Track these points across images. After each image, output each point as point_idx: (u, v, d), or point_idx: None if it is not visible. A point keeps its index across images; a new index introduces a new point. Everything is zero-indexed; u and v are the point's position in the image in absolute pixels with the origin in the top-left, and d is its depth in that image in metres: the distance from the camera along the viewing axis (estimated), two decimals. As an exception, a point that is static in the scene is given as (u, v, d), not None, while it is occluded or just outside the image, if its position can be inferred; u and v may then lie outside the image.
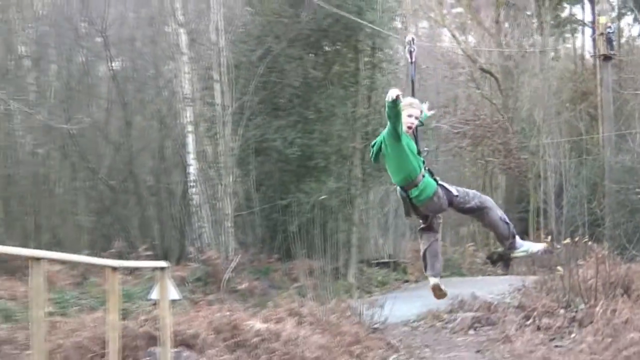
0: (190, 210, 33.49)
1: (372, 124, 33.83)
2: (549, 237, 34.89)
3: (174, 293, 18.83)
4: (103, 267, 15.37)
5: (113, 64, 36.39)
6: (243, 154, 33.07)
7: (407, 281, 32.34)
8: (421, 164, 11.41)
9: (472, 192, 12.02)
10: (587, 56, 43.79)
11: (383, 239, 35.65)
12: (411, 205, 11.49)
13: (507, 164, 41.76)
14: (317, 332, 22.54)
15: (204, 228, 33.00)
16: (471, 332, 24.93)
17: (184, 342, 18.18)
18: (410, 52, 11.81)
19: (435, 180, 11.38)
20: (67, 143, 34.06)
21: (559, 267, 29.13)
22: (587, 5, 40.90)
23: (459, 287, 29.16)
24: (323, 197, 32.71)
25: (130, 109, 35.57)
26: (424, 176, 11.27)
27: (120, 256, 23.20)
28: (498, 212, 11.96)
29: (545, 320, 24.55)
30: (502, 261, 33.91)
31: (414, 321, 26.18)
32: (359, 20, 32.45)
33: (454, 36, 41.33)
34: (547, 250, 12.38)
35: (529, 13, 38.57)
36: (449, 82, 40.14)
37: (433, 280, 12.27)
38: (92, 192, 34.89)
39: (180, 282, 19.25)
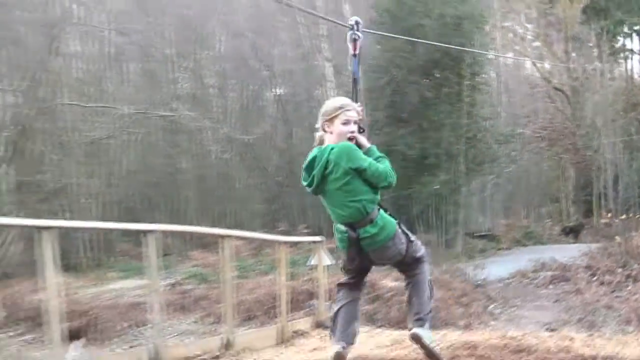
0: None
1: (472, 130, 33.89)
2: (609, 214, 34.68)
3: (327, 260, 19.00)
4: (273, 242, 15.65)
5: (277, 91, 36.90)
6: None
7: (500, 249, 32.18)
8: (378, 192, 7.14)
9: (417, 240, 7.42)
10: (636, 76, 43.35)
11: (482, 216, 35.53)
12: (358, 252, 6.95)
13: (576, 160, 41.51)
14: (435, 287, 22.68)
15: None
16: (550, 286, 24.92)
17: (334, 297, 18.42)
18: (355, 40, 7.70)
19: (392, 217, 7.11)
20: (244, 150, 34.55)
21: (617, 237, 29.04)
22: (636, 38, 40.50)
23: (540, 253, 29.17)
24: (436, 187, 32.77)
25: (290, 124, 36.01)
26: (379, 209, 6.99)
27: (285, 233, 23.52)
28: (429, 272, 7.56)
29: (607, 277, 24.56)
30: (573, 233, 33.86)
31: (507, 279, 26.22)
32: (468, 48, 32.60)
33: (533, 64, 41.01)
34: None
35: (590, 45, 38.32)
36: (530, 98, 39.95)
37: (336, 348, 7.31)
38: (263, 186, 35.42)
39: (331, 252, 19.53)
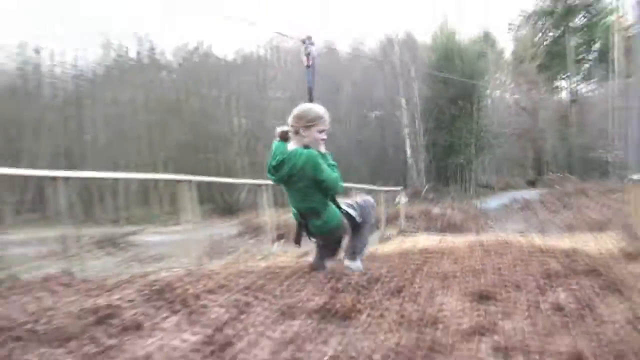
0: (407, 167, 33.47)
1: (478, 131, 33.17)
2: (551, 173, 34.42)
3: (404, 199, 19.72)
4: (378, 191, 16.02)
5: (375, 113, 36.78)
6: (427, 144, 32.86)
7: (494, 193, 31.89)
8: (328, 194, 4.80)
9: (369, 204, 5.12)
10: (564, 101, 42.23)
11: (484, 175, 35.31)
12: (307, 232, 4.82)
13: (532, 145, 40.76)
14: (460, 213, 23.11)
15: (413, 174, 33.42)
16: (521, 212, 24.56)
17: (409, 217, 19.04)
18: (307, 55, 5.29)
19: (338, 207, 4.85)
20: (361, 143, 35.08)
21: (556, 186, 28.86)
22: (564, 81, 40.08)
23: (515, 195, 28.69)
24: (460, 161, 33.03)
25: (382, 129, 35.72)
26: (328, 205, 4.78)
27: (382, 186, 23.96)
28: (370, 231, 5.26)
29: (551, 207, 23.83)
30: (532, 184, 33.95)
31: (497, 208, 26.10)
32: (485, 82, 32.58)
33: (511, 94, 40.43)
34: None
35: (542, 84, 37.98)
36: (509, 113, 39.54)
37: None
38: (369, 160, 35.16)
39: (400, 195, 20.09)
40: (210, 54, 30.88)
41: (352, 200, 4.92)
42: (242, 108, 28.72)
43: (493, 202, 27.85)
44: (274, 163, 4.61)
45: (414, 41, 37.22)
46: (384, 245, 10.80)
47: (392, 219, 16.78)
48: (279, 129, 4.77)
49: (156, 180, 22.26)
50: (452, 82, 31.88)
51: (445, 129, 32.88)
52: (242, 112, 28.63)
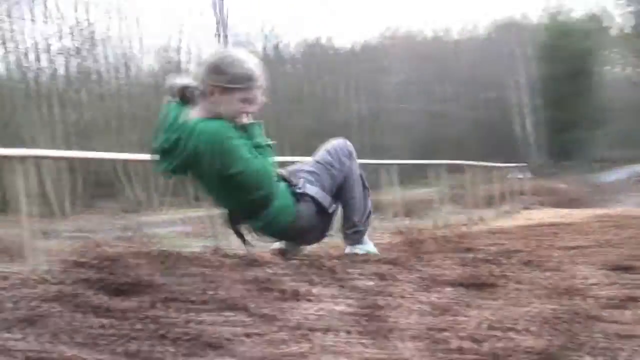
0: (525, 144, 33.20)
1: (593, 108, 32.64)
2: None
3: (522, 175, 19.28)
4: (493, 167, 15.52)
5: (490, 94, 36.31)
6: (543, 121, 32.66)
7: (612, 167, 30.28)
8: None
9: (343, 153, 2.94)
10: None
11: (601, 150, 33.38)
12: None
13: None
14: (579, 187, 22.14)
15: (530, 150, 32.55)
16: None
17: (528, 192, 18.47)
18: None
19: (293, 191, 2.70)
20: (476, 123, 34.67)
21: None
22: None
23: (633, 169, 27.45)
24: (577, 136, 31.74)
25: (502, 110, 34.94)
26: (267, 195, 2.60)
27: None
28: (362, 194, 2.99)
29: None
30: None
31: (613, 182, 25.18)
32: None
33: (628, 69, 38.18)
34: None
35: None
36: (628, 86, 37.31)
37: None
38: (487, 139, 34.03)
39: (519, 171, 19.60)
40: (330, 46, 31.75)
41: (311, 162, 3.01)
42: (361, 93, 29.10)
43: (612, 176, 26.86)
44: (163, 144, 2.59)
45: (525, 22, 36.34)
46: (505, 220, 10.74)
47: (511, 195, 16.45)
48: (174, 82, 2.73)
49: (282, 163, 23.22)
50: (565, 60, 30.95)
51: (560, 106, 31.80)
52: (361, 97, 29.02)
